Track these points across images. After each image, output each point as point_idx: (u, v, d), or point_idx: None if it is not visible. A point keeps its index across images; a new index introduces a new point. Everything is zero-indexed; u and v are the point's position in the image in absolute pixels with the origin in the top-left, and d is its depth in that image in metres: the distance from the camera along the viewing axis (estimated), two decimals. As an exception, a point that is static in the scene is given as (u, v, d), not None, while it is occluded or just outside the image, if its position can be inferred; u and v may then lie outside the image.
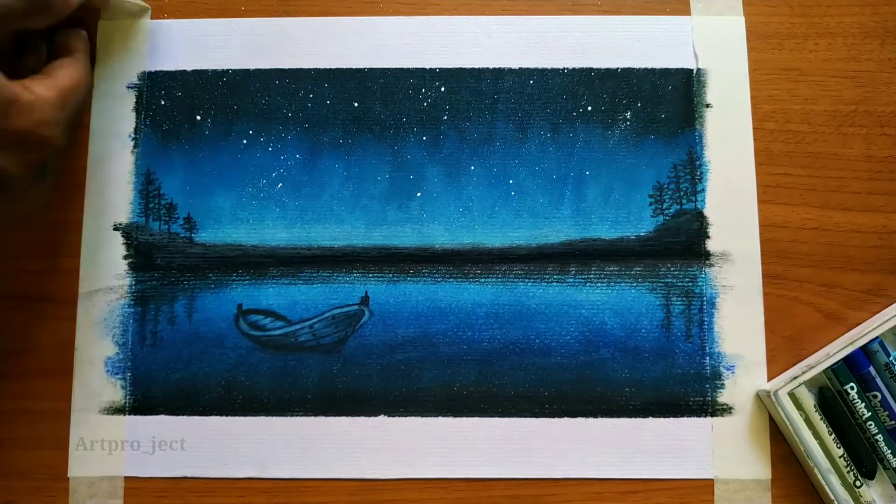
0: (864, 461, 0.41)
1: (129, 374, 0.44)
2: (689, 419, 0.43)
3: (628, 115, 0.45)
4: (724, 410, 0.43)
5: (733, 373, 0.43)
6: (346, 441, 0.43)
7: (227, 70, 0.46)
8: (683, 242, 0.45)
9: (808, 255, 0.44)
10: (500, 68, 0.46)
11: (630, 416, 0.43)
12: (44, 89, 0.36)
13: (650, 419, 0.43)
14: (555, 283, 0.44)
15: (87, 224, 0.45)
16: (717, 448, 0.43)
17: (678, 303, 0.44)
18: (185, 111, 0.46)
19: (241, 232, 0.45)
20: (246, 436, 0.43)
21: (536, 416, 0.43)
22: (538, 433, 0.43)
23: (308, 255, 0.45)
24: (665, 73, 0.46)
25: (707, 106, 0.45)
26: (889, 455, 0.41)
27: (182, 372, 0.44)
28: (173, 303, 0.44)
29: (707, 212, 0.45)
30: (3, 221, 0.38)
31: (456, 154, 0.45)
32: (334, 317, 0.44)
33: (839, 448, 0.41)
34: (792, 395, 0.41)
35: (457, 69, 0.46)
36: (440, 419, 0.43)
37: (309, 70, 0.46)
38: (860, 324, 0.44)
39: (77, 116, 0.39)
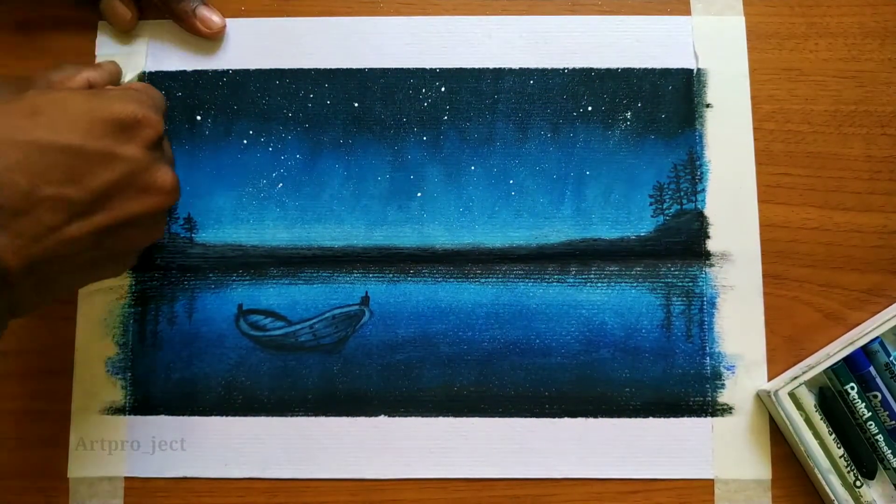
0: (864, 461, 0.41)
1: (130, 374, 0.44)
2: (689, 419, 0.43)
3: (628, 115, 0.45)
4: (725, 410, 0.43)
5: (733, 373, 0.43)
6: (346, 441, 0.43)
7: (227, 70, 0.46)
8: (683, 242, 0.45)
9: (808, 255, 0.44)
10: (500, 68, 0.46)
11: (630, 416, 0.43)
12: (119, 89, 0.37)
13: (650, 419, 0.43)
14: (555, 283, 0.44)
15: (87, 224, 0.45)
16: (718, 448, 0.43)
17: (678, 303, 0.44)
18: (185, 111, 0.46)
19: (241, 232, 0.45)
20: (246, 436, 0.43)
21: (536, 416, 0.43)
22: (538, 433, 0.43)
23: (308, 256, 0.45)
24: (665, 73, 0.46)
25: (707, 106, 0.45)
26: (889, 455, 0.41)
27: (182, 372, 0.44)
28: (173, 303, 0.44)
29: (707, 212, 0.45)
30: (147, 227, 0.36)
31: (456, 154, 0.45)
32: (334, 317, 0.44)
33: (839, 448, 0.41)
34: (792, 395, 0.41)
35: (457, 69, 0.46)
36: (440, 419, 0.43)
37: (309, 70, 0.46)
38: (860, 324, 0.44)
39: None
